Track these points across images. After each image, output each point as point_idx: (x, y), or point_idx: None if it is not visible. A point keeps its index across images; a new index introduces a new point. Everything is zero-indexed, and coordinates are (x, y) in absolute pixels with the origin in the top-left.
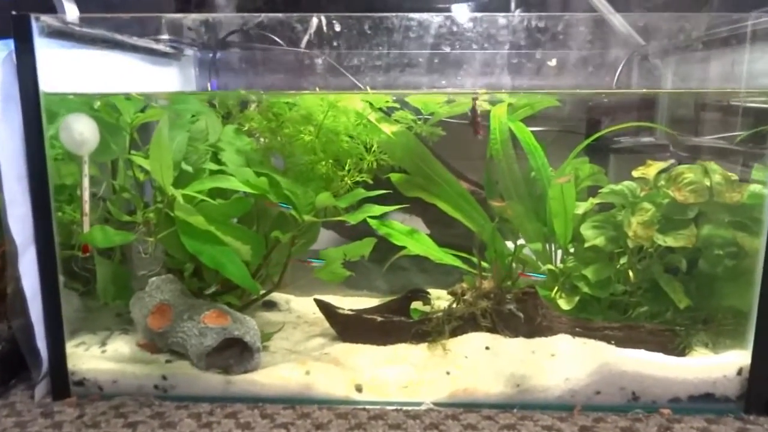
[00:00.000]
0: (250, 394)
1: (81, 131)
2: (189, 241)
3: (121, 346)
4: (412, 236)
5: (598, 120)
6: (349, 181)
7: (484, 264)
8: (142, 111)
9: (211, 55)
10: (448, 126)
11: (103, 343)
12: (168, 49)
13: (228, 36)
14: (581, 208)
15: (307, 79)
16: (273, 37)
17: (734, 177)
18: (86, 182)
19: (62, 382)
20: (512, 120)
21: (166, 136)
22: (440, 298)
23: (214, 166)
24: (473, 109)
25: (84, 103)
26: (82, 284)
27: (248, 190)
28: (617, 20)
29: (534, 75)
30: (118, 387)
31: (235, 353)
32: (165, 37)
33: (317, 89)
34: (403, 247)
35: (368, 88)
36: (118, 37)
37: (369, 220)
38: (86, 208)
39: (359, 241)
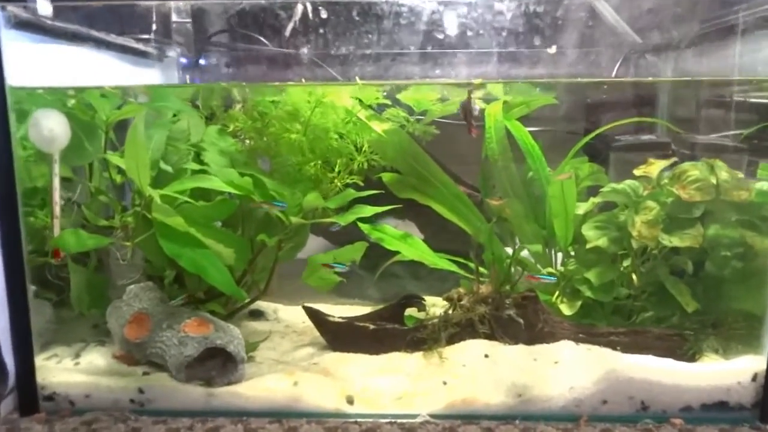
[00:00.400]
0: (234, 408)
1: (51, 128)
2: (167, 244)
3: (96, 358)
4: (405, 241)
5: (596, 118)
6: (339, 184)
7: (482, 270)
8: (119, 109)
9: (194, 57)
10: (441, 127)
11: (77, 356)
12: (150, 49)
13: (212, 36)
14: (582, 208)
15: (293, 71)
16: (258, 37)
17: (740, 175)
18: (57, 182)
19: (30, 397)
20: (508, 119)
21: (142, 132)
22: (435, 306)
23: (195, 166)
24: (467, 104)
25: (57, 100)
26: (56, 293)
27: (232, 190)
28: (613, 18)
29: (531, 64)
30: (91, 401)
31: (217, 364)
32: (146, 36)
33: (303, 80)
34: (396, 253)
35: (357, 78)
36: (95, 33)
37: (360, 224)
38: (57, 210)
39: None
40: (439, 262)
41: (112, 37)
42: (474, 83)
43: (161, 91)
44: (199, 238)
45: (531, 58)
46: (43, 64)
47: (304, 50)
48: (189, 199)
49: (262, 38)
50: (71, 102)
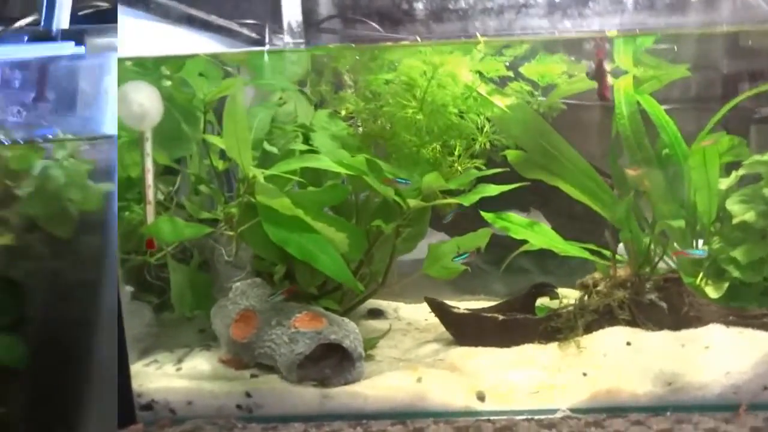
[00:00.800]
0: (352, 409)
1: (141, 102)
2: (273, 230)
3: (200, 363)
4: (532, 229)
5: (734, 87)
6: (459, 168)
7: (619, 257)
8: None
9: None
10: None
11: (179, 361)
12: (255, 35)
13: (323, 22)
14: (724, 183)
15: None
16: (370, 22)
17: None
18: (149, 163)
19: (126, 407)
20: (639, 93)
21: (242, 105)
22: (566, 298)
23: (303, 147)
24: (600, 63)
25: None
26: (156, 295)
27: (343, 170)
28: None
29: (672, 12)
30: (194, 409)
31: (332, 363)
32: (252, 22)
33: (418, 39)
34: (523, 244)
35: (478, 35)
36: (195, 12)
37: (484, 213)
38: (150, 194)
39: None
40: (570, 249)
41: (214, 18)
42: (608, 35)
43: (264, 69)
44: (308, 223)
45: (669, 7)
46: (141, 39)
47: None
48: (300, 179)
49: (374, 24)
50: (168, 83)
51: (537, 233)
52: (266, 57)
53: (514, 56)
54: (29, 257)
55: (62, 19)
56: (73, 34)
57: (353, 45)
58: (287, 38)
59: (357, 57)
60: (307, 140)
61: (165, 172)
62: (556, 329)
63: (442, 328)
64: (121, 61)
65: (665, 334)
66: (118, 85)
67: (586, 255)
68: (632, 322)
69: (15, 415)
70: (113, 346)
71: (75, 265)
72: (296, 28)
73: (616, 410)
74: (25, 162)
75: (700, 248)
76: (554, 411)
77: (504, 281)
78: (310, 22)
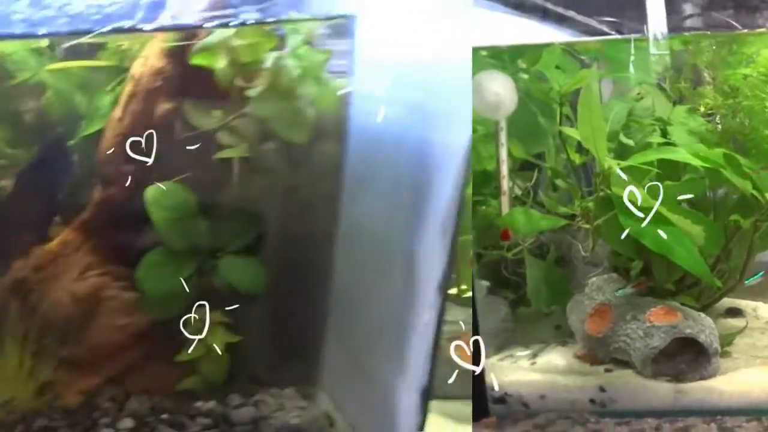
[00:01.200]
0: (706, 405)
1: (496, 92)
2: (628, 222)
3: (555, 358)
4: None
5: None
6: None
7: None
8: None
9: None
10: None
11: (534, 356)
12: (613, 32)
13: (685, 20)
14: None
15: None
16: (728, 19)
17: None
18: (504, 153)
19: (479, 400)
20: None
21: (597, 94)
22: None
23: (660, 140)
24: None
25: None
26: (512, 291)
27: (699, 163)
28: None
29: None
30: (546, 403)
31: (688, 358)
32: (611, 19)
33: None
34: None
35: None
36: (550, 6)
37: None
38: (504, 184)
39: None
40: None
41: (571, 14)
42: None
43: (622, 62)
44: (663, 215)
45: None
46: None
47: None
48: (657, 170)
49: (731, 20)
50: (524, 76)
51: None
52: (630, 48)
53: None
54: (263, 169)
55: None
56: None
57: (708, 33)
58: (651, 40)
59: (713, 47)
60: (664, 135)
61: (522, 168)
62: None
63: None
64: (475, 50)
65: None
66: (472, 75)
67: None
68: None
69: (253, 344)
70: (352, 262)
71: (312, 177)
72: (661, 35)
73: None
74: (257, 52)
75: None
76: None
77: None
78: (671, 21)
